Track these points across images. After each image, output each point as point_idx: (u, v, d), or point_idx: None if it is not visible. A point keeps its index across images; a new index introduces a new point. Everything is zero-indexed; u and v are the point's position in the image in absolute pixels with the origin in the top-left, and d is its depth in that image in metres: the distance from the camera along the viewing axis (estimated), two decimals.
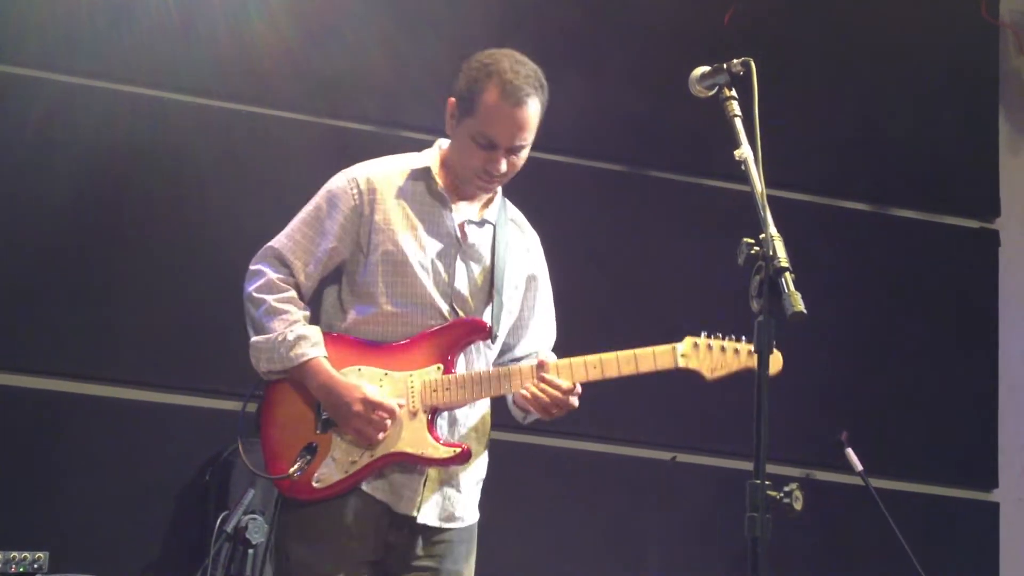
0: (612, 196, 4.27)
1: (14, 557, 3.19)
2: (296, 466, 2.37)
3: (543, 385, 2.40)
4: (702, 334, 2.47)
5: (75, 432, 3.70)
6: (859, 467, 3.87)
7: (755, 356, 2.34)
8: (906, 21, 4.54)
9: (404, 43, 3.88)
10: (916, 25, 4.55)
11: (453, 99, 2.49)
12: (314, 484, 2.38)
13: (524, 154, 2.50)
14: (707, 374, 2.48)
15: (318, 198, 2.52)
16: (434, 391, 2.41)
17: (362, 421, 2.36)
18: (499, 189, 2.59)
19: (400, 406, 2.39)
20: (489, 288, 2.51)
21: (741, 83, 2.17)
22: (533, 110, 2.46)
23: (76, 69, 3.88)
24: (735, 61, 2.15)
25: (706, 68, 2.22)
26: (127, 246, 3.84)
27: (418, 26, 4.08)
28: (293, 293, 2.46)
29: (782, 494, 1.76)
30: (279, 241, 2.50)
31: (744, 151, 2.04)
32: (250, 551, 3.26)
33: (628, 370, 2.45)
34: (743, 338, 2.48)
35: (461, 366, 2.46)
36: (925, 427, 4.37)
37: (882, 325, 4.44)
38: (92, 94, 3.87)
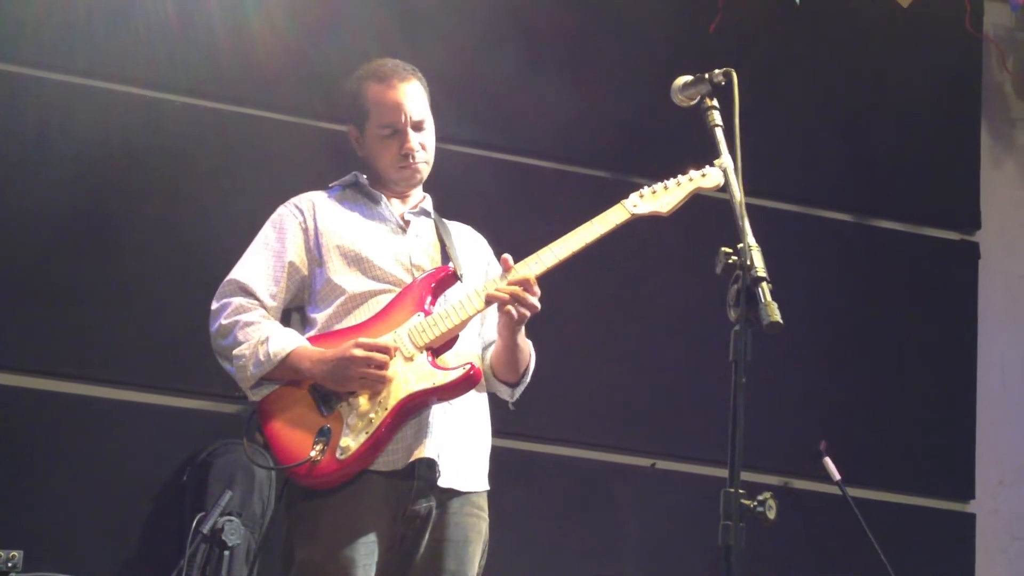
0: (596, 202, 4.26)
1: None
2: (315, 450, 2.36)
3: (506, 286, 2.43)
4: (645, 186, 2.56)
5: (50, 430, 3.67)
6: (837, 476, 3.89)
7: (704, 176, 2.50)
8: (890, 34, 4.57)
9: (402, 46, 3.89)
10: (900, 38, 4.58)
11: (349, 127, 2.66)
12: (339, 457, 2.36)
13: (430, 133, 2.64)
14: (664, 210, 2.55)
15: (264, 228, 2.63)
16: (422, 332, 2.45)
17: (363, 364, 2.37)
18: (428, 197, 2.71)
19: (395, 347, 2.41)
20: (444, 258, 2.60)
21: (723, 93, 2.18)
22: (413, 87, 2.62)
23: (72, 68, 3.86)
24: (717, 71, 2.17)
25: (688, 77, 2.24)
26: (113, 245, 3.82)
27: (417, 30, 4.08)
28: (263, 311, 2.52)
29: (756, 503, 1.77)
30: (236, 272, 2.56)
31: (724, 161, 2.06)
32: (226, 553, 3.25)
33: (591, 235, 2.52)
34: (688, 171, 2.55)
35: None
36: (903, 437, 4.39)
37: (862, 335, 4.46)
38: (88, 93, 3.85)
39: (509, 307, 2.42)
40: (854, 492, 3.92)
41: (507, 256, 2.49)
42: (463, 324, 2.47)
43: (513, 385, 2.61)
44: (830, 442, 3.96)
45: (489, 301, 2.44)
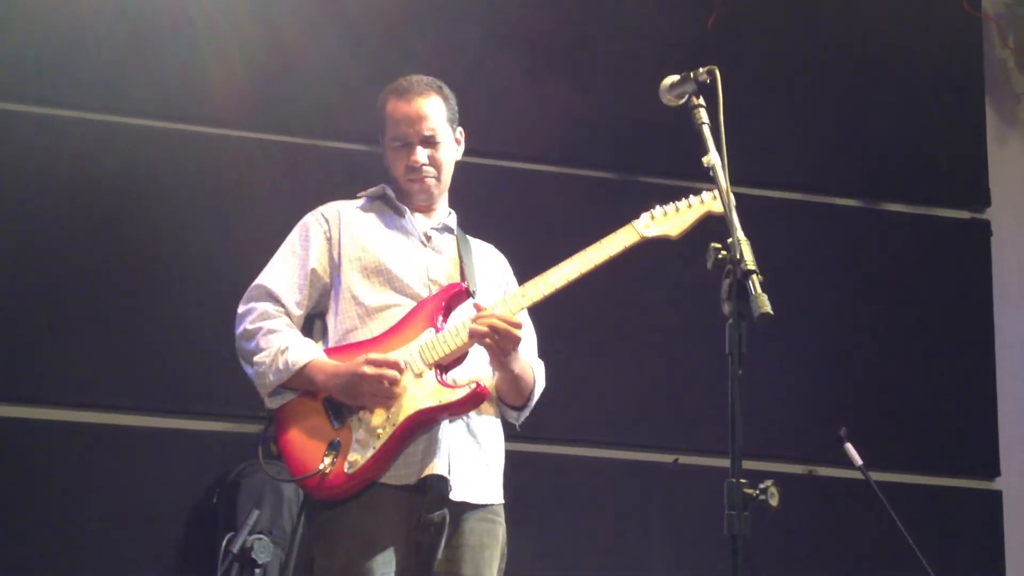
0: (602, 204, 4.30)
1: None
2: (325, 463, 2.43)
3: (483, 319, 2.46)
4: (656, 206, 2.58)
5: (84, 460, 3.74)
6: (859, 461, 3.90)
7: (714, 199, 2.53)
8: (889, 16, 4.58)
9: (393, 63, 3.93)
10: (900, 20, 4.59)
11: (380, 136, 2.72)
12: (346, 471, 2.43)
13: (443, 149, 2.68)
14: (674, 233, 2.58)
15: (291, 236, 2.70)
16: (432, 348, 2.50)
17: (373, 381, 2.43)
18: (453, 214, 2.74)
19: (405, 363, 2.46)
20: (461, 274, 2.64)
21: (709, 91, 2.21)
22: (428, 102, 2.66)
23: (76, 103, 3.94)
24: (701, 70, 2.22)
25: (675, 77, 2.28)
26: (130, 274, 3.89)
27: (409, 44, 4.13)
28: (287, 319, 2.60)
29: (758, 491, 1.80)
30: (263, 278, 2.64)
31: (711, 158, 2.10)
32: (257, 571, 3.29)
33: (599, 257, 2.54)
34: (701, 192, 2.57)
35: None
36: (925, 419, 4.39)
37: (878, 319, 4.46)
38: (89, 126, 3.93)
39: (488, 340, 2.46)
40: (879, 476, 3.92)
41: (478, 302, 2.53)
42: (472, 342, 2.50)
43: (519, 409, 2.63)
44: (851, 427, 3.96)
45: (472, 335, 2.48)
